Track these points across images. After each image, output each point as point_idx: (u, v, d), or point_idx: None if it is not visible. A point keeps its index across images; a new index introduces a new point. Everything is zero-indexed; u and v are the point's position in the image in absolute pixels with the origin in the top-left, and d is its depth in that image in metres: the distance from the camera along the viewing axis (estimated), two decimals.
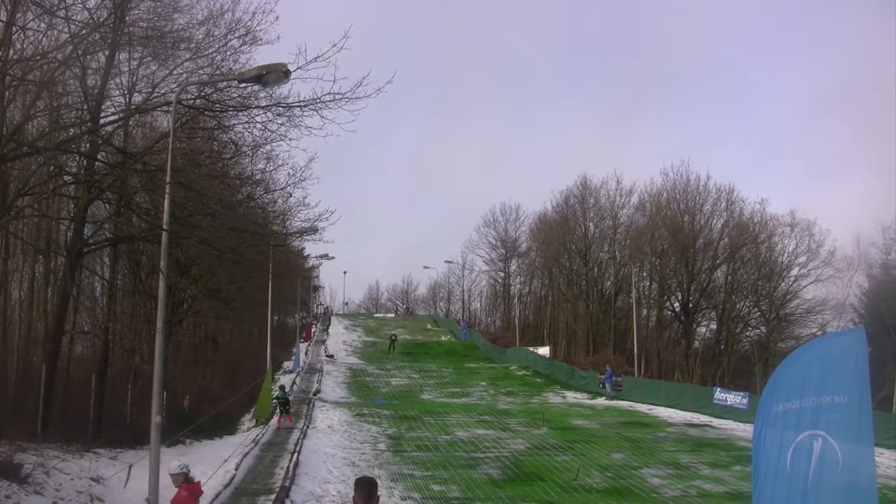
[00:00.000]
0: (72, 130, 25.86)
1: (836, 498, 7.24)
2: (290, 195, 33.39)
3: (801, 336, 74.03)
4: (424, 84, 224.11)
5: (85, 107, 26.30)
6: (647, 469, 31.91)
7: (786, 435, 7.41)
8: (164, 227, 19.10)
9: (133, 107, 28.85)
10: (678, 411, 48.48)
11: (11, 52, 22.32)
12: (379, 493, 8.01)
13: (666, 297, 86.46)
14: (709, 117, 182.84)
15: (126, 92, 30.22)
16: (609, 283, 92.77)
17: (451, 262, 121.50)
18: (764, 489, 7.46)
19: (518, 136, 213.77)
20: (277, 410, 43.37)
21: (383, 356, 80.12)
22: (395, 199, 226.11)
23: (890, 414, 46.77)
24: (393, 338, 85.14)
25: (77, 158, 29.01)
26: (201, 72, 27.52)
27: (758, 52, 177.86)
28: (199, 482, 14.47)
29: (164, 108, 26.55)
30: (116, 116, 28.22)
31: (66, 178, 27.50)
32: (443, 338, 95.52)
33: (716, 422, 44.62)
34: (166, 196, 19.37)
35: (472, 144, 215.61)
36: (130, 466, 22.08)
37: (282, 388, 46.20)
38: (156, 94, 27.88)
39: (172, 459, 15.44)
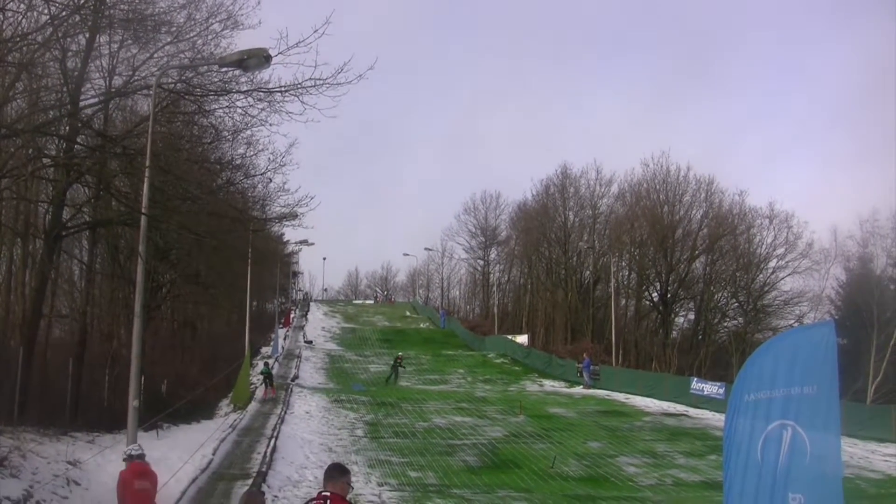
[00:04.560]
0: (51, 113, 25.77)
1: (804, 486, 7.33)
2: (271, 180, 33.33)
3: (779, 327, 74.29)
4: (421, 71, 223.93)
5: (65, 89, 26.22)
6: (623, 457, 32.10)
7: (756, 424, 7.50)
8: (143, 210, 19.08)
9: (113, 90, 28.81)
10: (655, 401, 48.68)
11: None
12: (353, 479, 8.11)
13: (644, 286, 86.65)
14: (692, 109, 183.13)
15: (106, 75, 30.12)
16: (588, 272, 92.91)
17: (430, 250, 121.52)
18: (735, 477, 7.55)
19: (497, 124, 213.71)
20: (264, 383, 47.84)
21: (362, 342, 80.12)
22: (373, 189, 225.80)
23: (864, 405, 47.19)
24: (398, 361, 60.59)
25: (56, 141, 28.90)
26: (182, 56, 27.52)
27: (746, 46, 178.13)
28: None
29: (145, 91, 26.53)
30: (96, 99, 28.17)
31: (45, 160, 27.33)
32: (421, 325, 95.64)
33: (692, 411, 44.83)
34: (145, 180, 19.35)
35: (453, 129, 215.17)
36: None
37: (266, 363, 51.17)
38: (136, 78, 27.87)
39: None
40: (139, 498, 13.81)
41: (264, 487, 22.92)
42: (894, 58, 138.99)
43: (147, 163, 19.24)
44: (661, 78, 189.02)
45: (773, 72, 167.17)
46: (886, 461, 31.91)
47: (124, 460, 14.25)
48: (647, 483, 28.25)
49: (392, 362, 60.52)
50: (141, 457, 14.29)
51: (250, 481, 23.82)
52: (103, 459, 23.45)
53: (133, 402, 18.05)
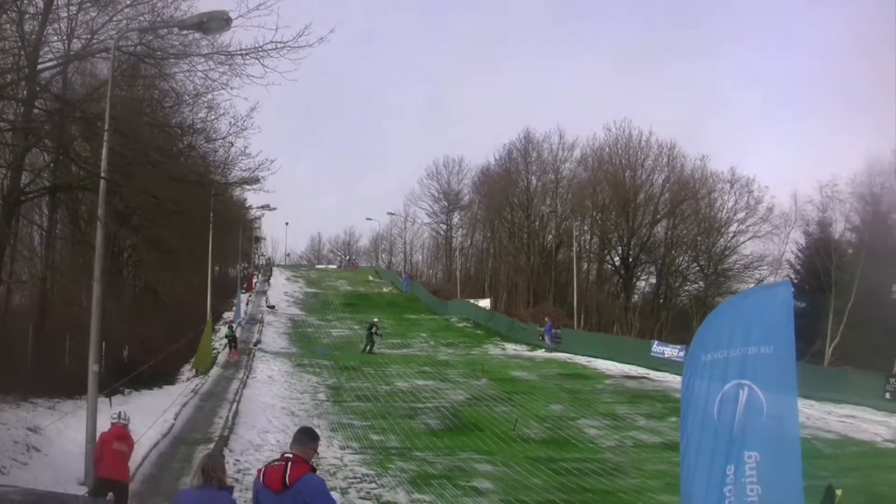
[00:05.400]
0: (8, 76, 25.47)
1: (760, 444, 7.42)
2: (232, 144, 33.16)
3: (739, 290, 74.86)
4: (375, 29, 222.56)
5: (22, 53, 25.88)
6: (584, 420, 32.39)
7: (713, 384, 7.54)
8: (102, 174, 18.97)
9: (72, 53, 28.51)
10: (616, 364, 48.87)
11: None
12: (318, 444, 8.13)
13: (606, 250, 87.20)
14: (651, 73, 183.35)
15: (65, 38, 29.78)
16: (550, 236, 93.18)
17: (393, 214, 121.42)
18: (692, 437, 7.61)
19: (464, 87, 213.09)
20: (228, 346, 49.13)
21: (325, 307, 79.95)
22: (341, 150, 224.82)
23: (822, 367, 47.77)
24: (373, 329, 54.94)
25: (14, 105, 28.62)
26: (142, 18, 27.27)
27: (713, 16, 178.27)
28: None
29: (104, 54, 26.25)
30: (55, 63, 27.86)
31: (3, 125, 27.08)
32: (384, 289, 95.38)
33: (653, 374, 45.13)
34: (104, 144, 19.22)
35: (416, 94, 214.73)
36: None
37: (230, 326, 52.48)
38: (95, 41, 27.60)
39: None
40: (115, 458, 15.36)
41: (226, 451, 22.98)
42: (849, 30, 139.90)
43: (106, 126, 19.10)
44: (628, 46, 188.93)
45: (737, 43, 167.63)
46: (842, 422, 32.36)
47: (112, 423, 15.87)
48: (608, 445, 28.55)
49: (367, 330, 55.12)
50: (125, 423, 15.86)
51: (212, 445, 23.83)
52: (64, 425, 23.39)
53: (93, 367, 18.03)
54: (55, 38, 29.21)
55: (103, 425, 16.63)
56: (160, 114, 30.67)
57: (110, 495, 15.14)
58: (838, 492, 7.38)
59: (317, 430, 8.57)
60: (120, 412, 16.32)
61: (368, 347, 53.77)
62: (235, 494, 8.69)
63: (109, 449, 15.42)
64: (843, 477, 22.17)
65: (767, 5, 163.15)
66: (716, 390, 7.57)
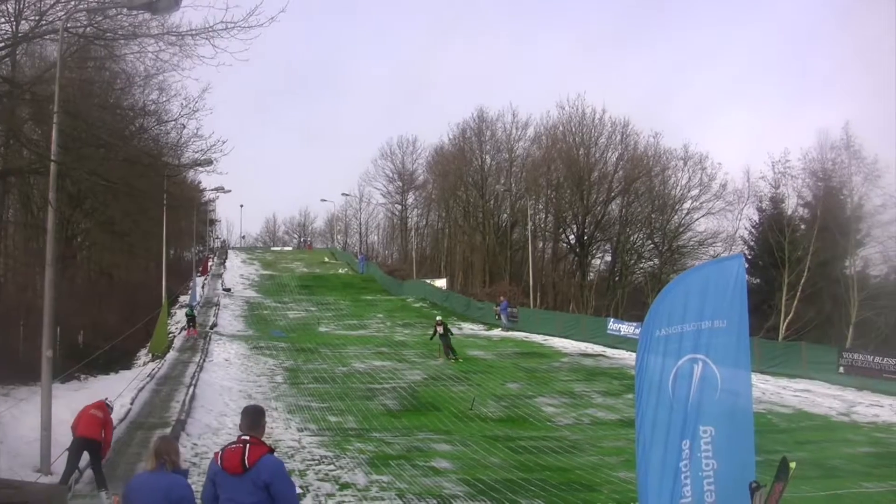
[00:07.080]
0: None
1: (715, 418, 7.48)
2: (184, 126, 32.92)
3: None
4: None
5: None
6: (541, 398, 32.48)
7: (667, 360, 7.55)
8: (53, 157, 18.79)
9: (20, 35, 28.15)
10: (573, 341, 49.13)
11: None
12: (273, 424, 8.11)
13: (561, 229, 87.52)
14: (605, 51, 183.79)
15: (12, 20, 29.39)
16: (505, 215, 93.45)
17: (347, 195, 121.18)
18: (647, 412, 7.62)
19: (418, 67, 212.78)
20: (188, 325, 50.72)
21: (281, 289, 79.67)
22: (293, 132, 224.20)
23: (776, 342, 48.21)
24: (443, 330, 43.59)
25: None
26: None
27: None
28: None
29: (53, 36, 25.95)
30: (2, 45, 27.49)
31: None
32: (340, 271, 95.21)
33: (609, 351, 45.35)
34: (54, 126, 19.05)
35: (370, 74, 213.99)
36: None
37: (191, 306, 53.35)
38: (44, 22, 27.23)
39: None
40: (89, 420, 17.27)
41: (184, 435, 22.86)
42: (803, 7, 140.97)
43: (55, 108, 18.91)
44: (582, 24, 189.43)
45: (691, 20, 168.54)
46: (797, 396, 32.66)
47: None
48: (565, 423, 28.66)
49: (433, 333, 44.56)
50: (107, 401, 18.34)
51: (169, 430, 23.70)
52: (19, 412, 23.21)
53: (46, 353, 17.90)
54: (2, 19, 28.77)
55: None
56: (111, 96, 30.38)
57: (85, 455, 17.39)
58: (792, 465, 7.38)
59: (262, 407, 8.50)
60: (106, 398, 18.80)
61: (452, 354, 42.74)
62: (194, 478, 8.63)
63: (87, 413, 17.39)
64: (798, 450, 22.44)
65: None
66: (670, 365, 7.60)
